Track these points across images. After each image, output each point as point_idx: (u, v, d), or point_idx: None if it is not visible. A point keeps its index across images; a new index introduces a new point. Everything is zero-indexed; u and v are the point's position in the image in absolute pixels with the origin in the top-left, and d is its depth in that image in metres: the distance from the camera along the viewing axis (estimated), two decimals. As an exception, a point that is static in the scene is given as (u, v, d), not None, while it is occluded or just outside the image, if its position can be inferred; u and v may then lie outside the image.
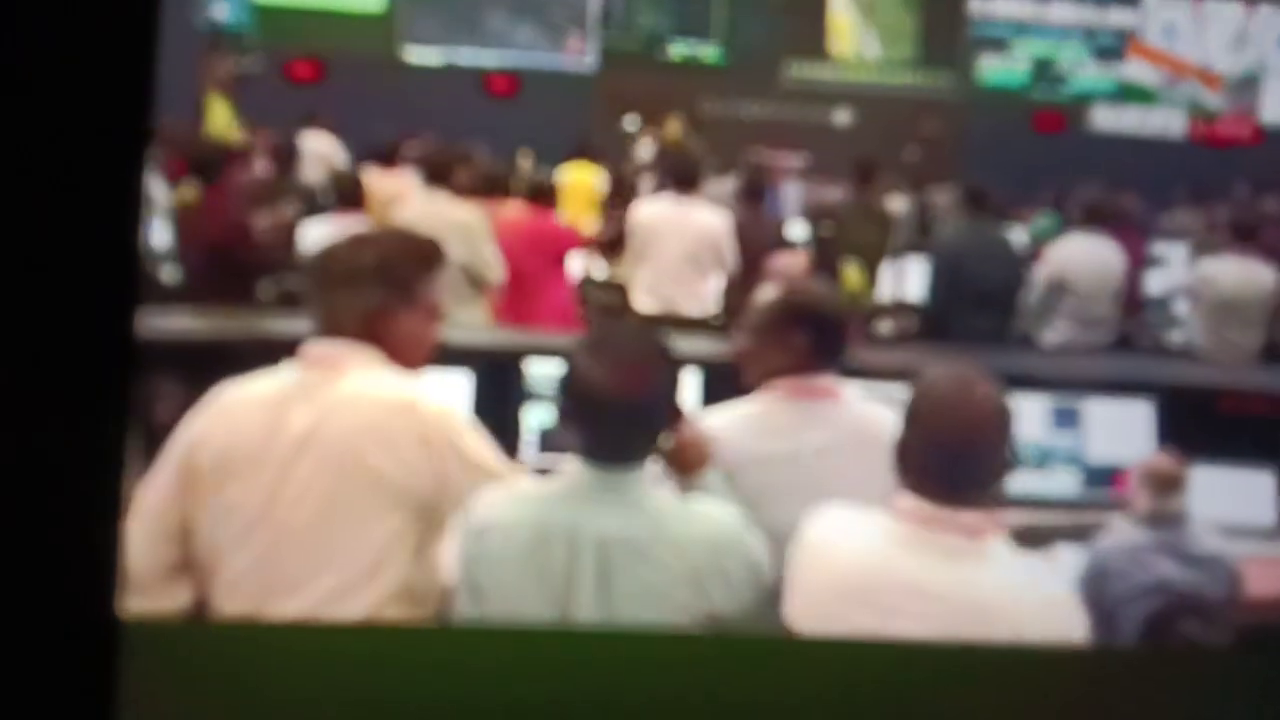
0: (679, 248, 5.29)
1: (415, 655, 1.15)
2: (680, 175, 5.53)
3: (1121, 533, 2.64)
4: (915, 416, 1.81)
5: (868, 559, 1.78)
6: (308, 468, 1.87)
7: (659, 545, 1.80)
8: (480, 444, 1.99)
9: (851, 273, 4.97)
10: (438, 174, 5.02)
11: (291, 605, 1.84)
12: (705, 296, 5.36)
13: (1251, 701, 1.18)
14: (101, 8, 0.74)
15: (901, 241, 6.39)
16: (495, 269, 4.91)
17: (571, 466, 1.86)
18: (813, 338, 2.27)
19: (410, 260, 2.02)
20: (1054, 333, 5.35)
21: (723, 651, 1.29)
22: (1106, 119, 11.70)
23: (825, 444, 2.22)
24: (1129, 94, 11.75)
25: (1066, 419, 3.39)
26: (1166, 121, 11.66)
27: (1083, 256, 5.38)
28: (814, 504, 1.91)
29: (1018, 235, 6.38)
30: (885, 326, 5.95)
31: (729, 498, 2.03)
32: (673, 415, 1.99)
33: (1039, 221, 7.26)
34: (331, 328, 1.96)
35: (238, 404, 1.93)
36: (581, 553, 1.78)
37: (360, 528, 1.87)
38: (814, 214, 5.66)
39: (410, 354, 2.00)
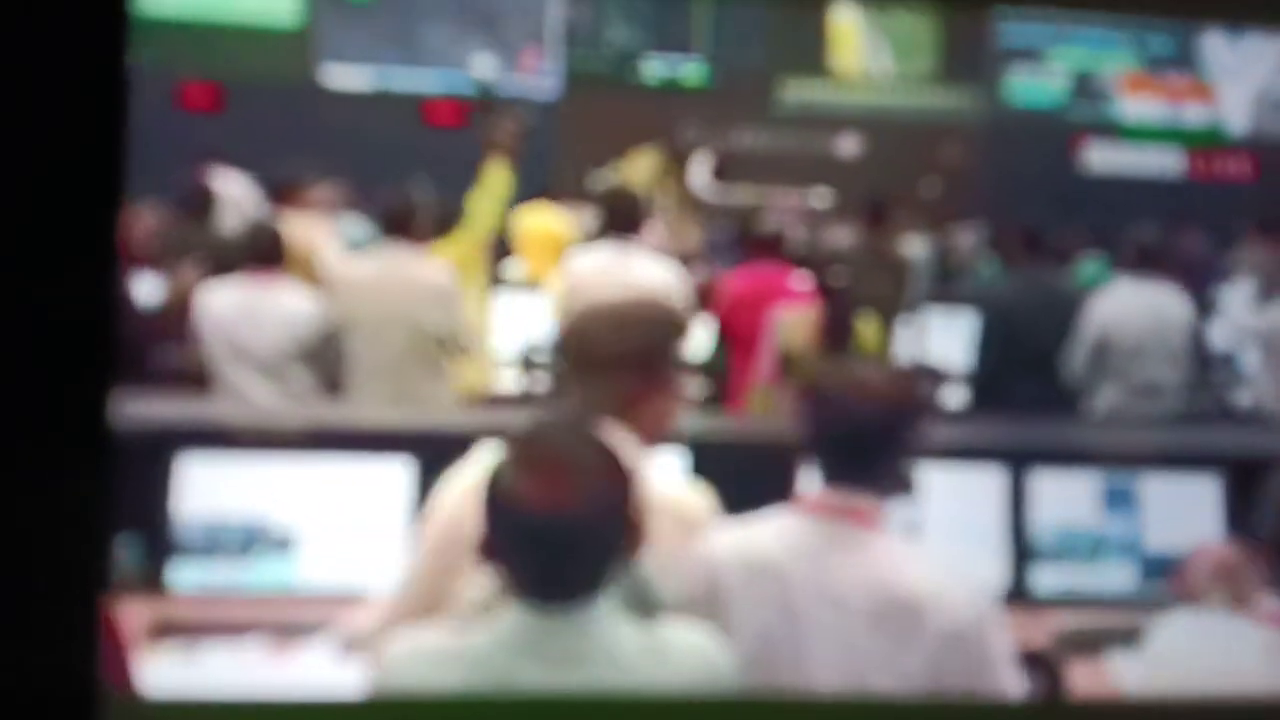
0: None
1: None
2: (617, 218, 5.41)
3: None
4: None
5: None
6: None
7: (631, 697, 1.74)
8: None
9: (867, 329, 5.05)
10: (396, 225, 5.02)
11: None
12: None
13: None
14: (72, 80, 0.85)
15: (920, 291, 6.49)
16: (472, 336, 4.98)
17: (504, 612, 1.80)
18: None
19: (669, 346, 2.36)
20: (1102, 400, 5.41)
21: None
22: (1104, 159, 11.83)
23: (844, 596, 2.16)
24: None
25: (1120, 500, 3.44)
26: (1162, 160, 11.82)
27: (1130, 309, 5.40)
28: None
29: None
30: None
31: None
32: (631, 533, 1.85)
33: (1083, 267, 7.39)
34: (587, 408, 2.26)
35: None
36: None
37: None
38: (820, 260, 5.73)
39: (656, 432, 2.32)
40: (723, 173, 10.18)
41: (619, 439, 2.13)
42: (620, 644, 1.79)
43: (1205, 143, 11.84)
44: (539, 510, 1.75)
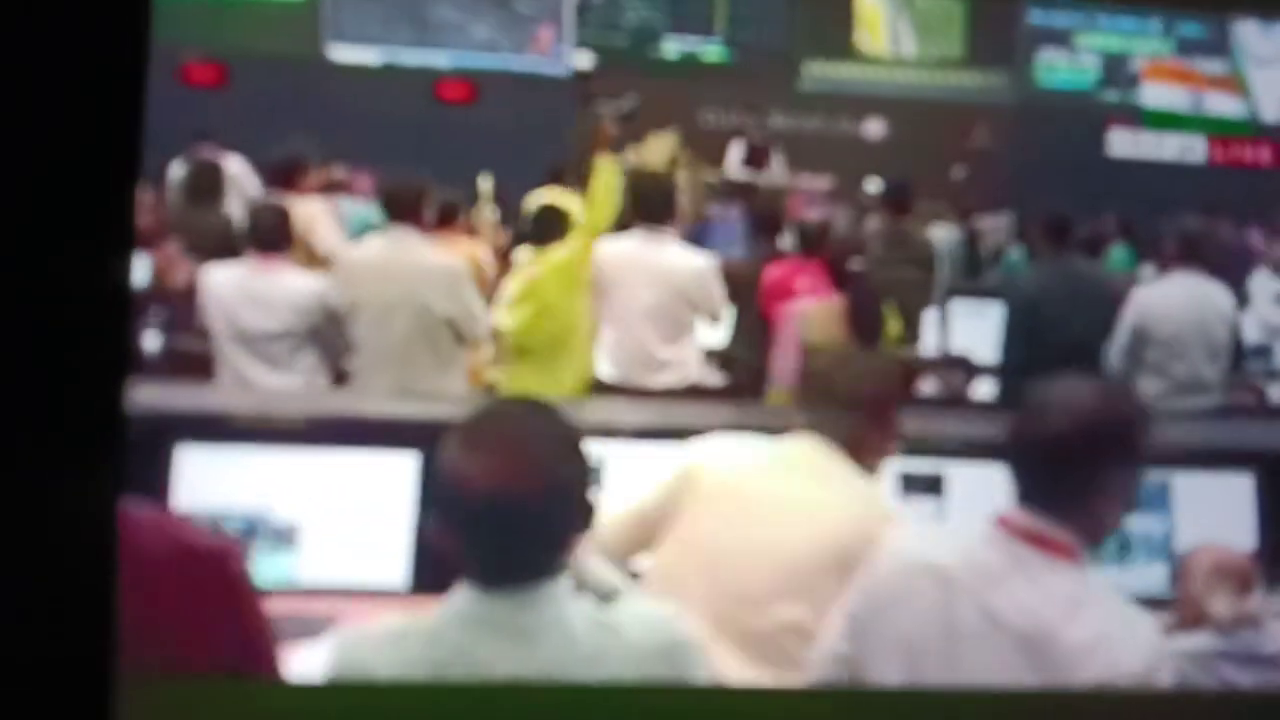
0: (647, 299, 5.24)
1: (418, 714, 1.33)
2: (649, 205, 5.41)
3: (1186, 636, 2.72)
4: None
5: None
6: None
7: (599, 669, 1.81)
8: None
9: (890, 321, 5.02)
10: (404, 209, 5.00)
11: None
12: (683, 361, 5.29)
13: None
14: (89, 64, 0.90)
15: (947, 281, 6.47)
16: (483, 323, 4.97)
17: (458, 592, 1.84)
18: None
19: (893, 393, 2.73)
20: (1140, 394, 5.37)
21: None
22: (1125, 144, 11.82)
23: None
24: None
25: (1151, 498, 3.43)
26: (1185, 145, 11.81)
27: (1174, 301, 5.38)
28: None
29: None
30: (930, 386, 6.00)
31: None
32: (583, 515, 1.89)
33: (1111, 255, 7.38)
34: (821, 437, 2.64)
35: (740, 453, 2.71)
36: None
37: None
38: (844, 247, 5.70)
39: (873, 462, 2.68)
40: (755, 159, 10.16)
41: (843, 464, 2.58)
42: (572, 619, 1.83)
43: (1235, 131, 11.81)
44: (488, 488, 1.78)
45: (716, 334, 5.72)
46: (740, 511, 2.59)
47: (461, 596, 1.83)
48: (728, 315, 5.54)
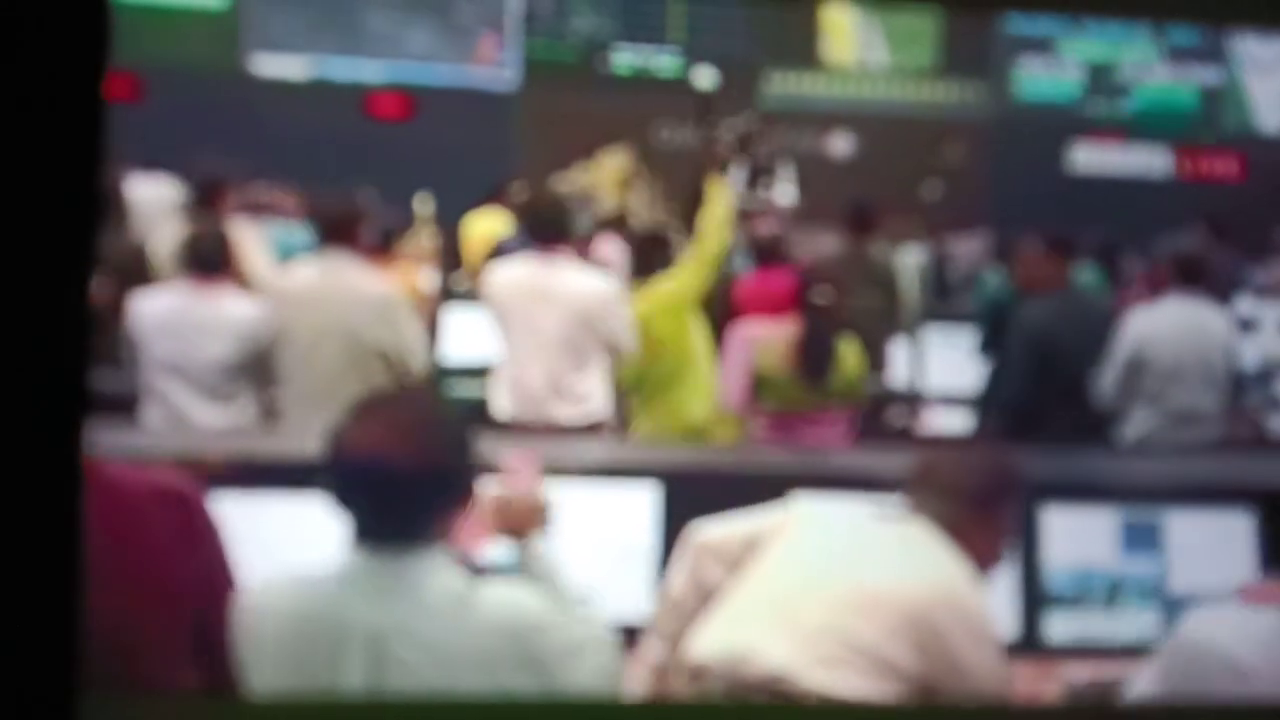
0: (544, 327, 5.14)
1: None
2: (542, 226, 5.35)
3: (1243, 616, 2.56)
4: None
5: None
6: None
7: (444, 636, 2.11)
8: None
9: (849, 352, 5.03)
10: (338, 231, 4.95)
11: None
12: (587, 394, 5.20)
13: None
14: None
15: (917, 306, 6.49)
16: (419, 356, 4.94)
17: (346, 551, 2.17)
18: None
19: (1002, 489, 2.81)
20: (1133, 426, 5.43)
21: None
22: (1090, 160, 11.92)
23: None
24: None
25: (1142, 538, 3.45)
26: (1149, 159, 11.92)
27: (1168, 327, 5.42)
28: None
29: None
30: (898, 417, 6.02)
31: (555, 572, 2.44)
32: (462, 490, 2.24)
33: (1080, 275, 7.43)
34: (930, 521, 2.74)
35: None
36: (348, 648, 2.11)
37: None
38: (807, 275, 5.71)
39: (988, 557, 2.75)
40: (758, 182, 10.14)
41: (955, 558, 2.66)
42: (432, 589, 2.14)
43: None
44: (362, 452, 2.14)
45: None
46: (819, 553, 2.71)
47: (348, 556, 2.17)
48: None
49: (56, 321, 0.98)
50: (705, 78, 8.45)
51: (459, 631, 2.12)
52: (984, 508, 2.79)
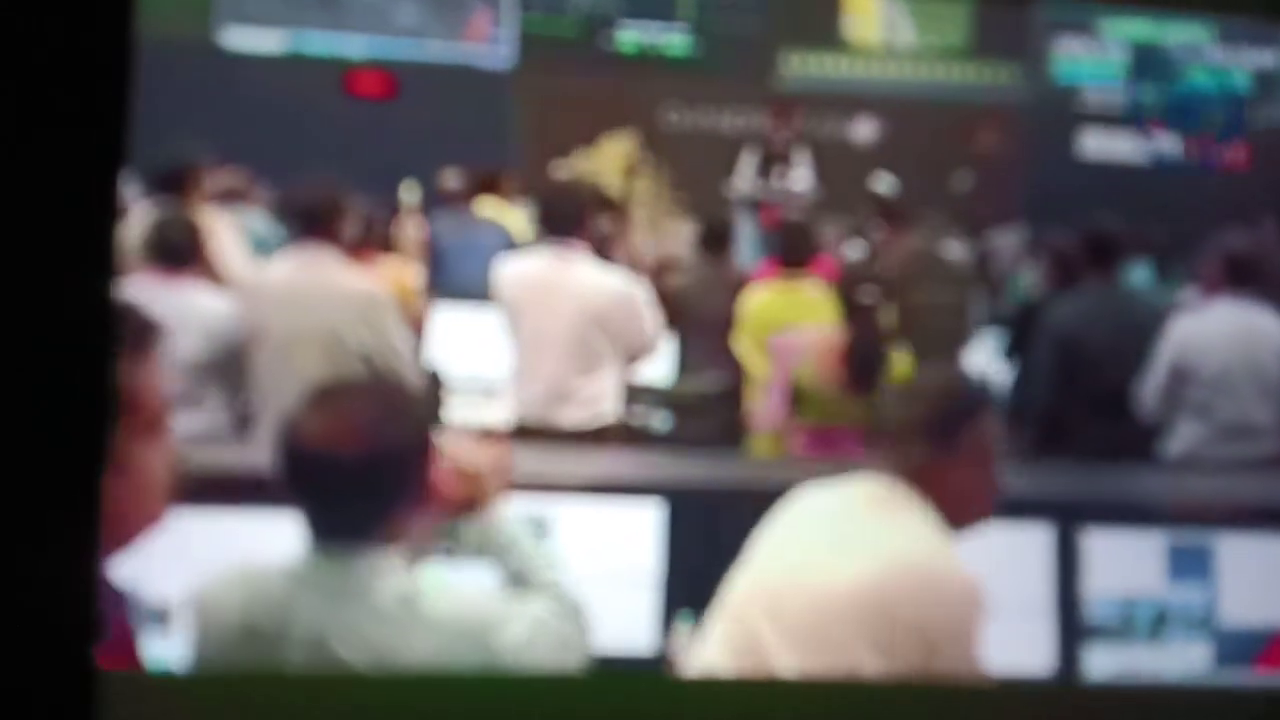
0: (558, 326, 5.15)
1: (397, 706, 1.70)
2: (555, 217, 5.35)
3: None
4: None
5: None
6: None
7: (390, 640, 2.20)
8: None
9: (901, 364, 4.98)
10: (317, 224, 4.93)
11: None
12: (598, 397, 5.20)
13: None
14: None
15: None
16: (406, 359, 4.93)
17: (300, 547, 2.26)
18: None
19: (955, 412, 2.71)
20: (1179, 440, 5.42)
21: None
22: (1099, 146, 11.92)
23: None
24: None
25: (1190, 564, 3.44)
26: (1160, 145, 11.90)
27: (1220, 333, 5.39)
28: None
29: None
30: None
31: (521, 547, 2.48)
32: (416, 488, 2.31)
33: (1131, 273, 7.42)
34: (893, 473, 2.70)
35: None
36: (288, 647, 2.21)
37: None
38: (852, 275, 5.63)
39: (961, 509, 2.67)
40: (770, 170, 10.14)
41: (923, 518, 2.61)
42: (378, 588, 2.23)
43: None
44: (313, 448, 2.22)
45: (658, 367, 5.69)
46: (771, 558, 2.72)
47: (301, 553, 2.26)
48: (661, 348, 5.44)
49: (80, 321, 1.03)
50: (884, 184, 8.33)
51: (406, 635, 2.21)
52: (941, 441, 2.69)
